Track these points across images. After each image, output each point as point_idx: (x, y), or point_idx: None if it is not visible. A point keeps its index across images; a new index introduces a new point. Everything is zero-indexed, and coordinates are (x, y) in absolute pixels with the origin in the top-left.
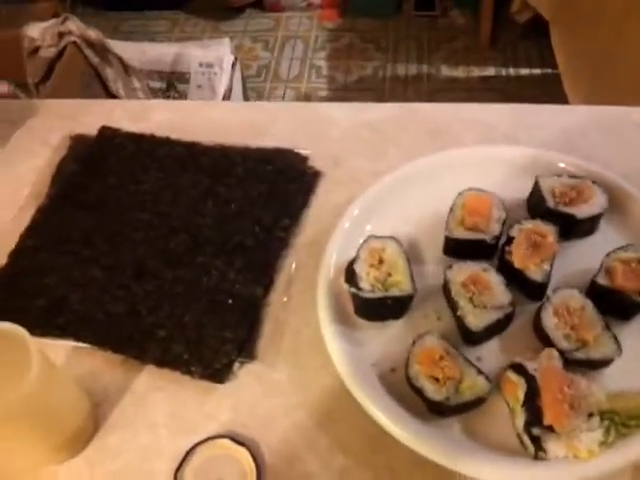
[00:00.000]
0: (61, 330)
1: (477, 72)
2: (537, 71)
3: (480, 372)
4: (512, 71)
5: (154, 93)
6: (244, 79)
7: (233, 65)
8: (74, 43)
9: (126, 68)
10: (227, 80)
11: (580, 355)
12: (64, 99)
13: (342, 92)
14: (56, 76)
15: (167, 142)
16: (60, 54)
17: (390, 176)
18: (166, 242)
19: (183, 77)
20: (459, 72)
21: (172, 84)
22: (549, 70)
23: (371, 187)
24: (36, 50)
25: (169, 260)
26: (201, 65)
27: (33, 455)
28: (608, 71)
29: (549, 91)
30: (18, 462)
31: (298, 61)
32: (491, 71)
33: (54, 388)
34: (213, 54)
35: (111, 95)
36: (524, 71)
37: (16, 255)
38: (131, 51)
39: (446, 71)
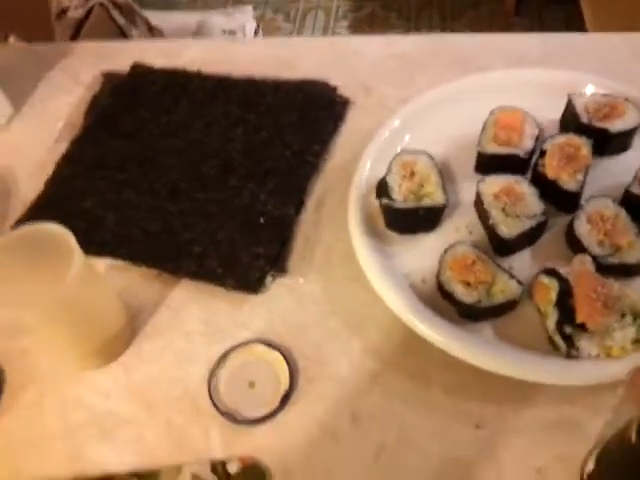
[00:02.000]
0: (99, 248)
1: None
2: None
3: (512, 276)
4: None
5: None
6: None
7: (256, 32)
8: (101, 4)
9: (151, 30)
10: None
11: (613, 260)
12: (97, 41)
13: None
14: (83, 37)
15: (198, 76)
16: (87, 15)
17: (422, 97)
18: (198, 167)
19: None
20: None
21: None
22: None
23: (403, 107)
24: (64, 11)
25: (202, 183)
26: (224, 32)
27: (73, 358)
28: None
29: None
30: (59, 365)
31: (320, 31)
32: None
33: (94, 290)
34: (236, 22)
35: None
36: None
37: (53, 182)
38: (154, 19)
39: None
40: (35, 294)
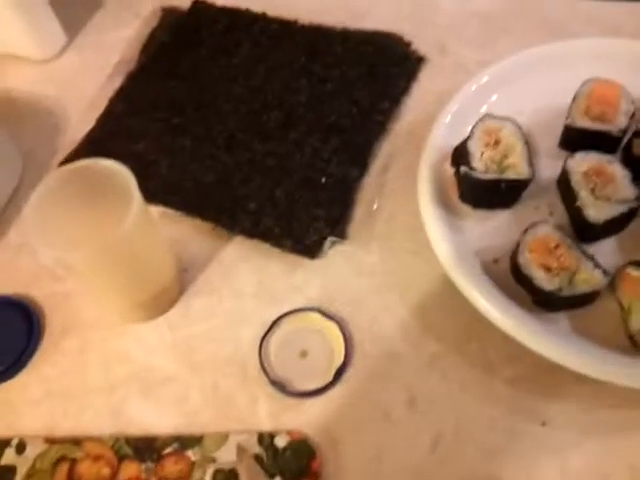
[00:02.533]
0: (151, 194)
1: None
2: None
3: (597, 265)
4: None
5: None
6: None
7: None
8: None
9: None
10: None
11: None
12: None
13: None
14: None
15: (263, 18)
16: None
17: (506, 61)
18: (258, 116)
19: None
20: None
21: None
22: None
23: (485, 70)
24: None
25: (261, 134)
26: None
27: (118, 309)
28: None
29: None
30: (103, 315)
31: None
32: None
33: (149, 238)
34: None
35: None
36: None
37: (105, 119)
38: None
39: None
40: (87, 236)
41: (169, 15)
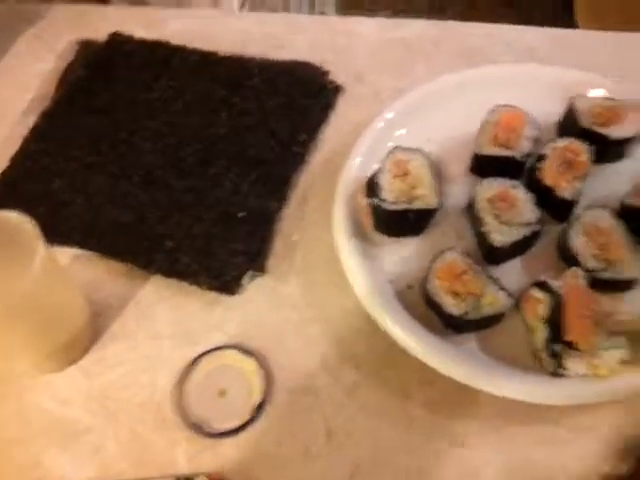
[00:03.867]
0: (65, 237)
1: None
2: None
3: (502, 288)
4: None
5: None
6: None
7: (243, 4)
8: None
9: None
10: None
11: (607, 275)
12: (72, 4)
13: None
14: None
15: (182, 50)
16: None
17: (416, 91)
18: (176, 152)
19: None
20: None
21: None
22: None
23: (397, 101)
24: None
25: (179, 170)
26: None
27: (30, 359)
28: None
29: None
30: (15, 366)
31: (306, 7)
32: None
33: (56, 287)
34: None
35: None
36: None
37: (19, 158)
38: None
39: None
40: None
41: (85, 49)
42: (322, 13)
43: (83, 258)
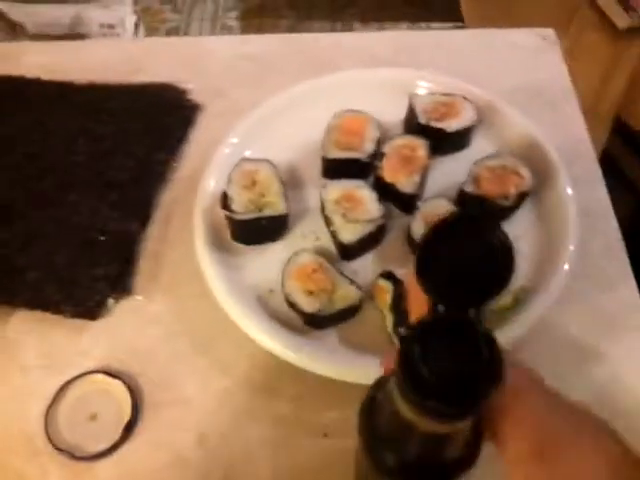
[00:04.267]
0: None
1: (390, 27)
2: (448, 24)
3: (352, 282)
4: (423, 25)
5: None
6: None
7: (137, 26)
8: None
9: (13, 26)
10: None
11: None
12: None
13: None
14: None
15: (37, 82)
16: None
17: (265, 103)
18: (36, 183)
19: (81, 39)
20: (373, 28)
21: None
22: (460, 23)
23: (247, 114)
24: None
25: (38, 200)
26: (102, 26)
27: None
28: (510, 13)
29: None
30: None
31: (208, 22)
32: (404, 27)
33: None
34: (115, 14)
35: None
36: (435, 25)
37: None
38: (20, 13)
39: (360, 28)
40: None
41: None
42: (224, 26)
43: None
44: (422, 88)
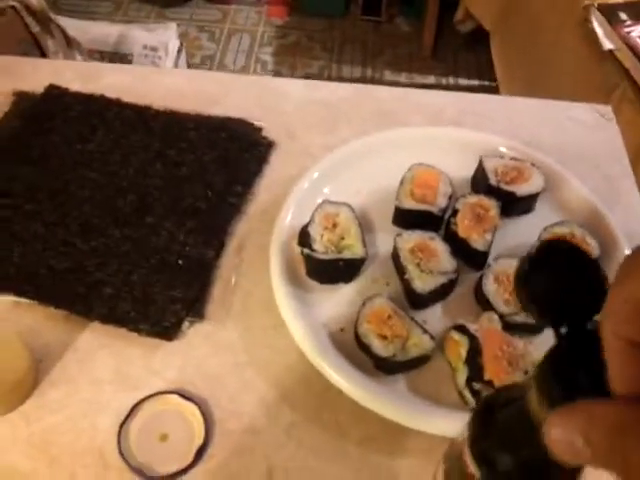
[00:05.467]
0: (2, 284)
1: (418, 79)
2: (475, 82)
3: (425, 331)
4: (452, 80)
5: None
6: (189, 67)
7: (179, 51)
8: (13, 8)
9: (69, 41)
10: (171, 65)
11: (518, 319)
12: (9, 55)
13: None
14: None
15: (117, 104)
16: None
17: (344, 148)
18: (113, 201)
19: (125, 58)
20: (401, 78)
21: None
22: (486, 82)
23: (326, 157)
24: None
25: (116, 219)
26: (145, 47)
27: None
28: (543, 79)
29: None
30: None
31: (244, 54)
32: (432, 79)
33: None
34: (158, 38)
35: None
36: (462, 81)
37: None
38: (73, 27)
39: (389, 76)
40: None
41: (22, 100)
42: (258, 60)
43: (22, 304)
44: (493, 151)
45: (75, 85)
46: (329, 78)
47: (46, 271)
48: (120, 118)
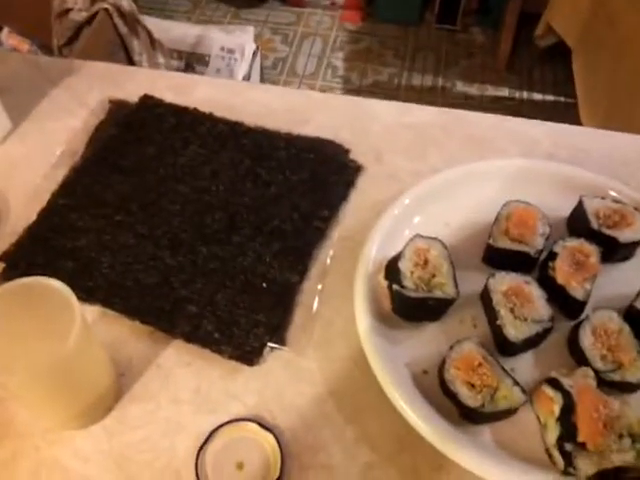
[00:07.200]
0: (89, 294)
1: (491, 91)
2: (550, 97)
3: (516, 383)
4: (525, 94)
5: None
6: (262, 69)
7: (254, 54)
8: (106, 10)
9: (153, 42)
10: (246, 68)
11: (615, 377)
12: (106, 62)
13: (355, 94)
14: (83, 41)
15: (209, 118)
16: (90, 19)
17: (438, 176)
18: (202, 218)
19: (203, 59)
20: (473, 89)
21: (191, 65)
22: (562, 98)
23: (418, 184)
24: (66, 12)
25: (204, 236)
26: (222, 49)
27: (54, 418)
28: (627, 105)
29: (559, 119)
30: (37, 421)
31: (315, 58)
32: (505, 92)
33: (88, 354)
34: (236, 40)
35: None
36: (537, 96)
37: (47, 213)
38: (154, 27)
39: (461, 86)
40: (24, 357)
41: (117, 108)
42: (329, 64)
43: (109, 316)
44: (594, 190)
45: (168, 96)
46: (399, 86)
47: (133, 284)
48: (212, 133)
